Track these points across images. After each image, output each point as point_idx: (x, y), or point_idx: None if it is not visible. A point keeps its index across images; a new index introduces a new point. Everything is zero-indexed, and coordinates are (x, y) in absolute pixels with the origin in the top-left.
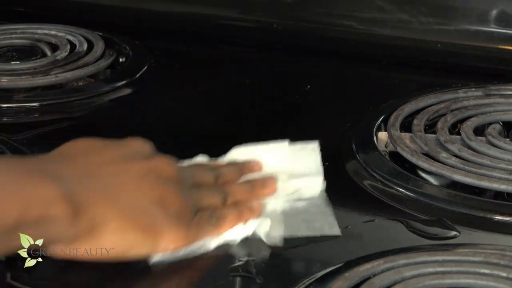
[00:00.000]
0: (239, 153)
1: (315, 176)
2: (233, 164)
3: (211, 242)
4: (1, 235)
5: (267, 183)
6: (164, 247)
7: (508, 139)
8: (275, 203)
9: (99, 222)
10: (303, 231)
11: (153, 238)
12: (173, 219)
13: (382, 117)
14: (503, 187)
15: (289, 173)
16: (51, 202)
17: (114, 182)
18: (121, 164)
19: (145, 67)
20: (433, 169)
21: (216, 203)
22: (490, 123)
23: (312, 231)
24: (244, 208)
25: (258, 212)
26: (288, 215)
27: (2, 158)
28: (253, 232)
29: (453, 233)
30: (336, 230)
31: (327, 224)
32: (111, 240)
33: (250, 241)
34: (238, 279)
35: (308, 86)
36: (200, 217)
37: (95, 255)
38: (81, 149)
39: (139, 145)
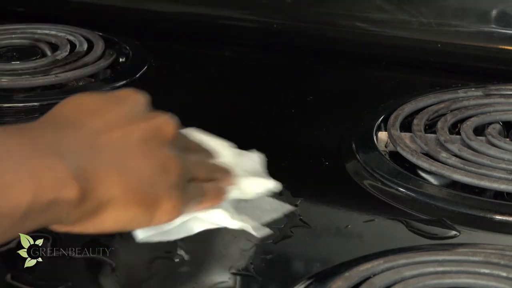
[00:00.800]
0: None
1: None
2: (200, 144)
3: (195, 226)
4: (13, 223)
5: (228, 172)
6: (159, 219)
7: (508, 139)
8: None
9: (105, 201)
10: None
11: (151, 211)
12: (171, 190)
13: (382, 117)
14: (503, 186)
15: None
16: (63, 184)
17: (120, 151)
18: (124, 127)
19: (145, 67)
20: (433, 169)
21: (201, 175)
22: (490, 123)
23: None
24: (221, 188)
25: (224, 196)
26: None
27: (3, 130)
28: (241, 227)
29: (453, 233)
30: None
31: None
32: (114, 216)
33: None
34: (238, 278)
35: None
36: (189, 190)
37: (96, 231)
38: (80, 111)
39: (136, 99)
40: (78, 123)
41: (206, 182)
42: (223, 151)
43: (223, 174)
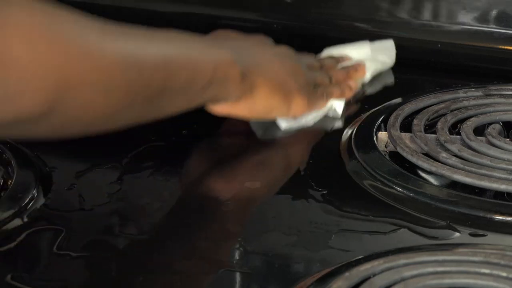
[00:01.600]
0: (330, 51)
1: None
2: (330, 57)
3: (317, 114)
4: (199, 88)
5: (358, 67)
6: (294, 112)
7: (508, 139)
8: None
9: (256, 86)
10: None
11: (288, 103)
12: (301, 88)
13: (382, 117)
14: (503, 187)
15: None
16: (231, 65)
17: (263, 57)
18: (264, 47)
19: None
20: (433, 169)
21: (325, 82)
22: (490, 123)
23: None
24: (344, 87)
25: (355, 90)
26: None
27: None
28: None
29: (453, 233)
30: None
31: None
32: (262, 102)
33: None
34: (238, 278)
35: None
36: (316, 90)
37: (249, 113)
38: (230, 36)
39: (265, 38)
40: (231, 39)
41: (331, 86)
42: (356, 51)
43: (346, 80)
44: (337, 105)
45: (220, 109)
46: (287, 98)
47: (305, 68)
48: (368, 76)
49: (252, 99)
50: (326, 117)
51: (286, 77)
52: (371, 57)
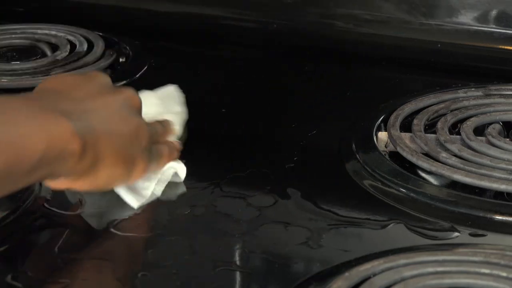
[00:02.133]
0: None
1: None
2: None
3: (163, 183)
4: (27, 169)
5: (169, 125)
6: (135, 177)
7: (508, 139)
8: None
9: (99, 158)
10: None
11: (130, 169)
12: (143, 152)
13: (382, 117)
14: (503, 187)
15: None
16: (69, 138)
17: (104, 115)
18: (103, 96)
19: (145, 67)
20: (433, 169)
21: (160, 140)
22: (490, 123)
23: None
24: (171, 146)
25: (179, 149)
26: None
27: (3, 97)
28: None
29: (453, 233)
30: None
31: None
32: (106, 174)
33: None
34: (238, 278)
35: (310, 97)
36: (152, 152)
37: (90, 187)
38: (62, 85)
39: (102, 78)
40: (65, 93)
41: (161, 144)
42: (151, 104)
43: (165, 134)
44: (179, 169)
45: (56, 185)
46: (130, 164)
47: (147, 123)
48: (179, 131)
49: (94, 172)
50: (170, 183)
51: (130, 140)
52: (164, 109)
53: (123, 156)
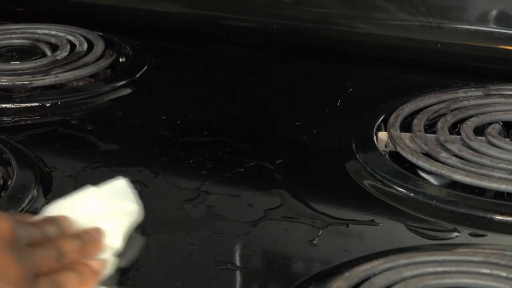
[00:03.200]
0: (54, 209)
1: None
2: (50, 219)
3: None
4: None
5: (96, 238)
6: None
7: (508, 139)
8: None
9: None
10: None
11: None
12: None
13: (382, 117)
14: (503, 187)
15: (106, 216)
16: None
17: None
18: None
19: (145, 67)
20: (433, 169)
21: (52, 267)
22: (490, 123)
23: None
24: (85, 269)
25: (101, 271)
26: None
27: None
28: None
29: (453, 233)
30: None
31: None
32: None
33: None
34: (238, 278)
35: (310, 97)
36: (40, 283)
37: None
38: None
39: None
40: None
41: (64, 271)
42: (86, 204)
43: (83, 252)
44: None
45: None
46: None
47: (22, 249)
48: (119, 241)
49: None
50: None
51: None
52: (108, 210)
53: None
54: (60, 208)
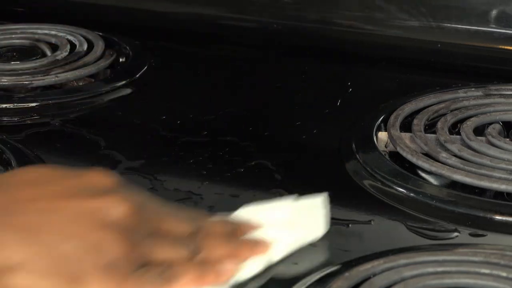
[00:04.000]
0: (245, 213)
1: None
2: (226, 221)
3: None
4: None
5: (258, 245)
6: None
7: (508, 139)
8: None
9: (13, 263)
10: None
11: (74, 287)
12: (105, 269)
13: (382, 117)
14: (503, 187)
15: (284, 227)
16: None
17: (38, 221)
18: (56, 202)
19: (145, 67)
20: (433, 169)
21: (177, 258)
22: (490, 123)
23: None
24: (210, 269)
25: (227, 278)
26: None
27: None
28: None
29: (453, 233)
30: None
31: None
32: (27, 284)
33: None
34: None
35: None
36: (145, 271)
37: None
38: (23, 179)
39: (97, 179)
40: (9, 190)
41: (187, 264)
42: (276, 214)
43: (233, 253)
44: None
45: None
46: (71, 282)
47: (140, 236)
48: (279, 255)
49: (8, 282)
50: None
51: (76, 252)
52: (292, 222)
53: (57, 270)
54: (248, 212)
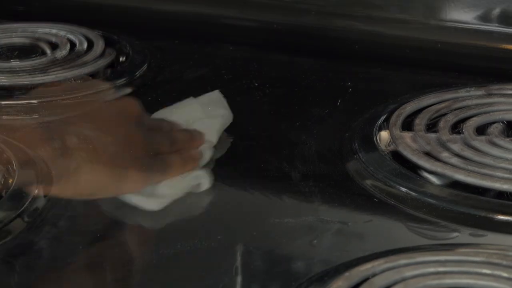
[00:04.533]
0: (158, 116)
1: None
2: (165, 120)
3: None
4: None
5: (197, 134)
6: (130, 188)
7: (510, 139)
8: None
9: (77, 162)
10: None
11: (120, 179)
12: (137, 161)
13: (383, 117)
14: (505, 186)
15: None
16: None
17: (88, 125)
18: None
19: (145, 67)
20: (434, 168)
21: (165, 149)
22: (492, 123)
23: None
24: (187, 156)
25: (200, 160)
26: None
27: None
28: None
29: (454, 233)
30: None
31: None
32: (87, 179)
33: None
34: (238, 278)
35: (310, 97)
36: (154, 163)
37: (73, 194)
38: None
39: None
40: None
41: (172, 154)
42: (191, 110)
43: (189, 143)
44: (202, 179)
45: (36, 190)
46: (119, 175)
47: (145, 132)
48: (214, 138)
49: (73, 179)
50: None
51: (118, 148)
52: (204, 115)
53: (108, 165)
54: (163, 114)
